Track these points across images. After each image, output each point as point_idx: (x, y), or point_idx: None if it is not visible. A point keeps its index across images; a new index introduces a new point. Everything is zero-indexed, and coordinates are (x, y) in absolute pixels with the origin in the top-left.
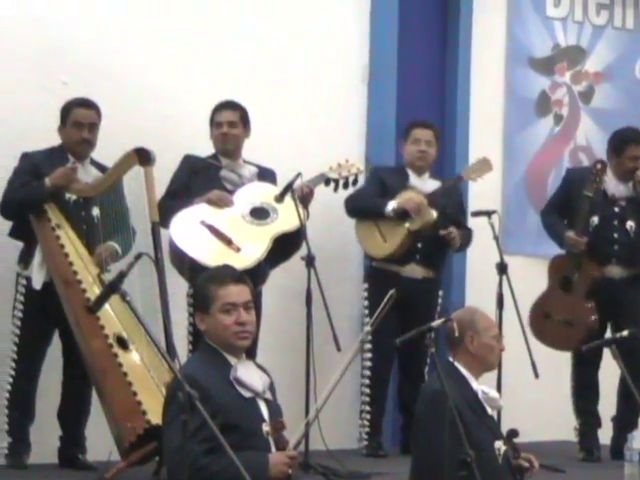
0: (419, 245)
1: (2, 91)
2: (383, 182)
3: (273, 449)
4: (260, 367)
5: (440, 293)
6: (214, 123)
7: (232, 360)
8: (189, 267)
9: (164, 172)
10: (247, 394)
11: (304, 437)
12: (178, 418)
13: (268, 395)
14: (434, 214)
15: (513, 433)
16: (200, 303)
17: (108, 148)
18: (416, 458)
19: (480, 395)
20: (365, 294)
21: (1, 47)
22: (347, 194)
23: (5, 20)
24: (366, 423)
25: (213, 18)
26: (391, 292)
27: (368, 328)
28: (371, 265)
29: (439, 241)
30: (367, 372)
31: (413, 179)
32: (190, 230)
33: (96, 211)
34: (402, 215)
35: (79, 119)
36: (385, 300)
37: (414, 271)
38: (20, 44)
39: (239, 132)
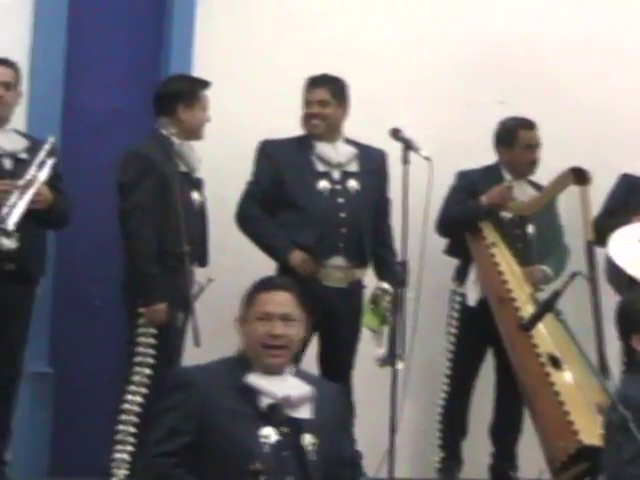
0: None
1: (424, 107)
2: None
3: None
4: None
5: None
6: None
7: None
8: (627, 285)
9: (599, 191)
10: None
11: None
12: (613, 440)
13: None
14: None
15: None
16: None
17: (544, 166)
18: None
19: None
20: None
21: (425, 63)
22: None
23: (434, 36)
24: None
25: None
26: None
27: None
28: None
29: None
30: None
31: None
32: (628, 248)
33: (531, 229)
34: None
35: (529, 142)
36: None
37: None
38: (449, 60)
39: None
